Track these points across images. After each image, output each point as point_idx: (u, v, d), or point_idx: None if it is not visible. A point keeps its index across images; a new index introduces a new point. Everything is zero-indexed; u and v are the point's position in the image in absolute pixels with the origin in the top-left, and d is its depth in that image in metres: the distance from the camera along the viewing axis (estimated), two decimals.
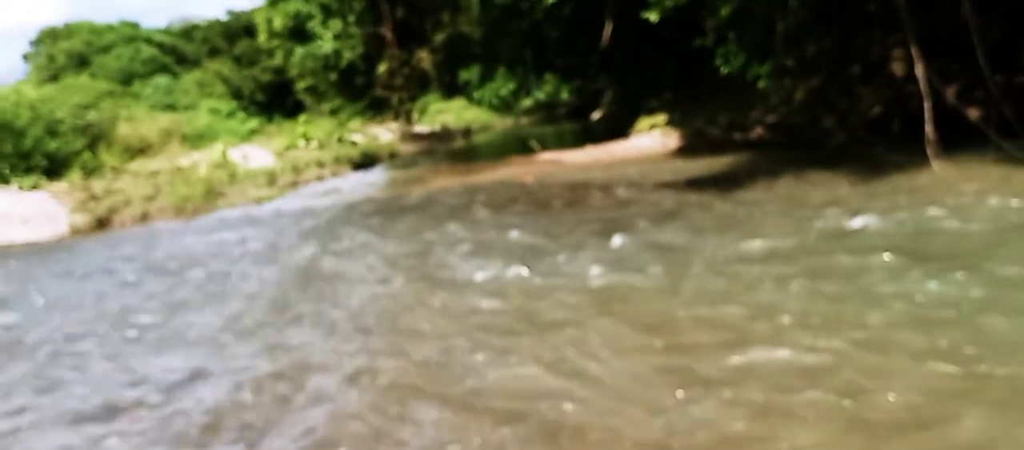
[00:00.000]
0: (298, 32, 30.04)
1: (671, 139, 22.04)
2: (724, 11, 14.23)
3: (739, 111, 20.73)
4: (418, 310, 7.90)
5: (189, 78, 51.61)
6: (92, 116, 23.06)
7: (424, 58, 27.03)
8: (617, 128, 24.79)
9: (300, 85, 28.09)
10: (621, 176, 16.85)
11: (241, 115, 45.90)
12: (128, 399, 6.23)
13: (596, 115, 34.82)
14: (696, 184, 14.25)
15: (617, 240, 9.90)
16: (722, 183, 13.79)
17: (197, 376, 6.61)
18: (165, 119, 35.39)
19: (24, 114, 20.23)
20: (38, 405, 6.35)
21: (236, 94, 47.67)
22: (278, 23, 30.67)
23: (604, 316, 6.97)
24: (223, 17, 53.75)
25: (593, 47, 22.45)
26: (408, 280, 9.25)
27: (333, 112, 39.99)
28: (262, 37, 33.83)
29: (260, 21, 34.23)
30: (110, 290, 10.79)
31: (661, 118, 23.61)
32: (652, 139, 22.68)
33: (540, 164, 21.71)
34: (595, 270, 8.57)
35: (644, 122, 24.01)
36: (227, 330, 7.92)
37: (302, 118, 35.10)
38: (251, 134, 40.20)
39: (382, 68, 24.22)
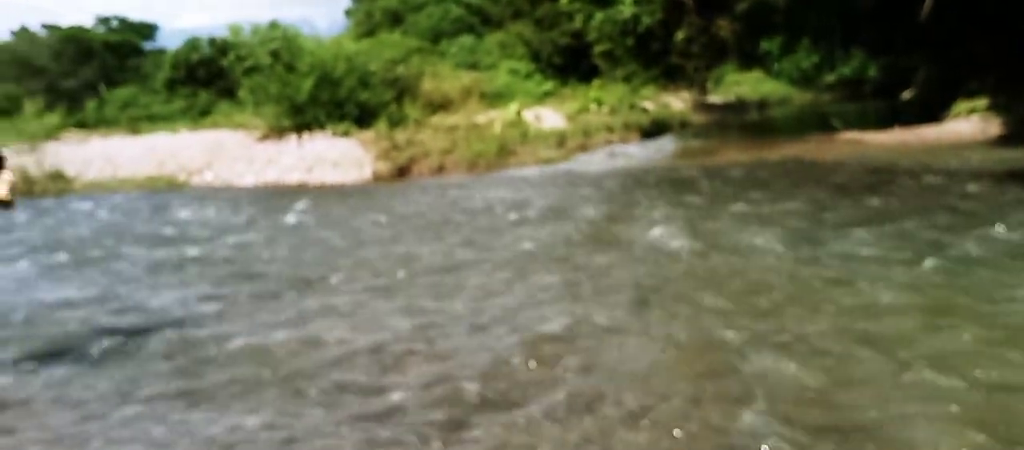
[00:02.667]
0: None
1: (992, 126, 19.82)
2: None
3: None
4: (700, 283, 7.51)
5: (492, 39, 53.33)
6: (401, 71, 24.43)
7: (723, 26, 26.09)
8: (929, 111, 22.67)
9: (597, 49, 28.17)
10: (932, 163, 15.36)
11: (538, 77, 46.90)
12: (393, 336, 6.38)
13: (906, 95, 32.24)
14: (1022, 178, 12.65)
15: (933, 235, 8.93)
16: None
17: (473, 327, 6.64)
18: (467, 77, 36.92)
19: (341, 66, 21.84)
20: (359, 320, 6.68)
21: (535, 56, 48.65)
22: None
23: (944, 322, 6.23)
24: None
25: (908, 20, 20.57)
26: (692, 252, 8.85)
27: (626, 78, 39.85)
28: (563, 0, 34.23)
29: None
30: (408, 233, 11.27)
31: (982, 102, 21.30)
32: (970, 125, 20.53)
33: (840, 143, 20.35)
34: (902, 272, 7.73)
35: (962, 105, 21.77)
36: (509, 281, 7.94)
37: (595, 83, 35.23)
38: (545, 96, 41.02)
39: (680, 35, 23.69)
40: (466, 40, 53.44)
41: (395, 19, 55.00)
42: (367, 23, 55.98)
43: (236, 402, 5.38)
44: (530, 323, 6.64)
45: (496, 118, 24.00)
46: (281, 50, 22.18)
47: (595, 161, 20.42)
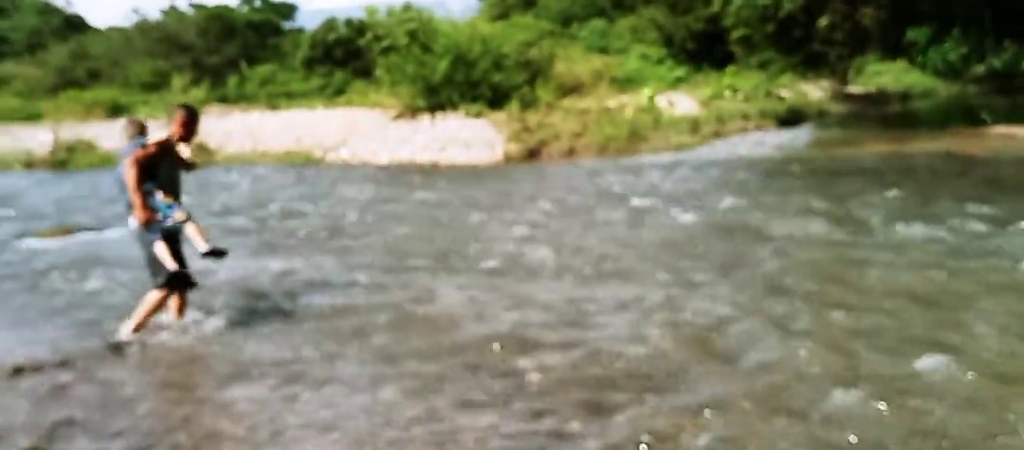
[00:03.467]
0: None
1: None
2: None
3: None
4: (850, 280, 7.15)
5: (623, 23, 52.75)
6: (533, 53, 24.37)
7: (867, 14, 25.02)
8: None
9: (734, 35, 27.35)
10: None
11: (670, 62, 46.15)
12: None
13: None
14: None
15: None
16: None
17: (620, 313, 6.49)
18: (597, 61, 36.60)
19: (476, 48, 21.94)
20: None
21: (667, 41, 47.86)
22: None
23: None
24: None
25: None
26: (841, 246, 8.46)
27: (762, 65, 38.76)
28: None
29: None
30: (546, 217, 11.19)
31: None
32: None
33: (991, 138, 19.21)
34: None
35: None
36: (651, 269, 7.76)
37: (730, 69, 34.43)
38: (677, 82, 40.30)
39: (823, 21, 22.77)
40: (597, 24, 53.02)
41: (527, 2, 54.99)
42: (500, 5, 56.12)
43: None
44: (678, 313, 6.45)
45: (628, 103, 23.67)
46: (418, 31, 22.45)
47: (730, 149, 19.90)
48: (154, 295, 6.23)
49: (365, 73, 40.31)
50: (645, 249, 8.83)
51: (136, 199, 6.03)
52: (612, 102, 23.83)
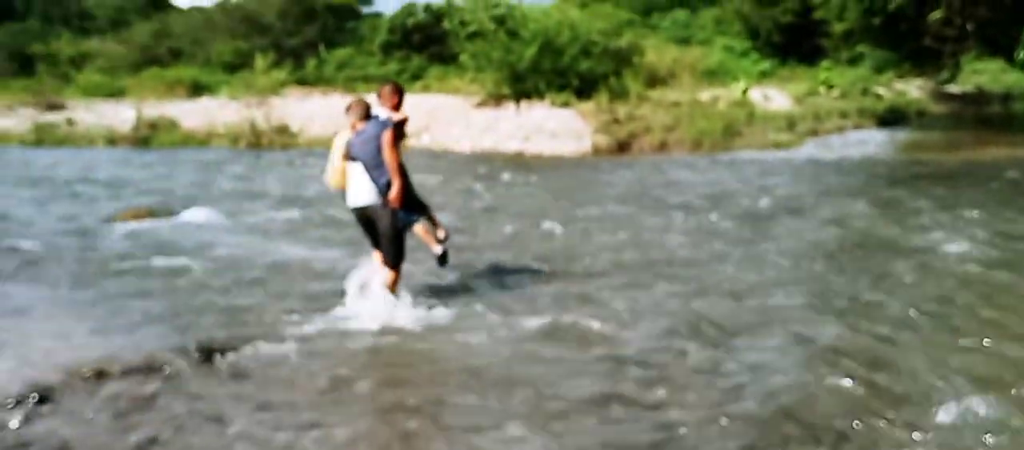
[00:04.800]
0: None
1: None
2: None
3: None
4: (1001, 301, 6.25)
5: (707, 14, 51.53)
6: (624, 42, 23.49)
7: (977, 11, 23.56)
8: None
9: (837, 28, 25.99)
10: None
11: (755, 55, 44.88)
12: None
13: None
14: None
15: None
16: None
17: (743, 329, 5.72)
18: (679, 52, 35.51)
19: (565, 34, 21.11)
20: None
21: (752, 33, 46.48)
22: None
23: None
24: None
25: None
26: (983, 264, 7.51)
27: (852, 61, 37.25)
28: None
29: None
30: (648, 215, 10.43)
31: None
32: None
33: None
34: None
35: None
36: (770, 280, 6.95)
37: (824, 64, 33.09)
38: (762, 76, 39.03)
39: (935, 15, 21.36)
40: (680, 14, 51.83)
41: None
42: None
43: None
44: (808, 331, 5.66)
45: (720, 96, 22.67)
46: (506, 16, 21.70)
47: (831, 148, 18.85)
48: (390, 276, 6.21)
49: (442, 59, 39.97)
50: (760, 257, 7.98)
51: (398, 179, 6.05)
52: (705, 95, 22.85)
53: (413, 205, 6.45)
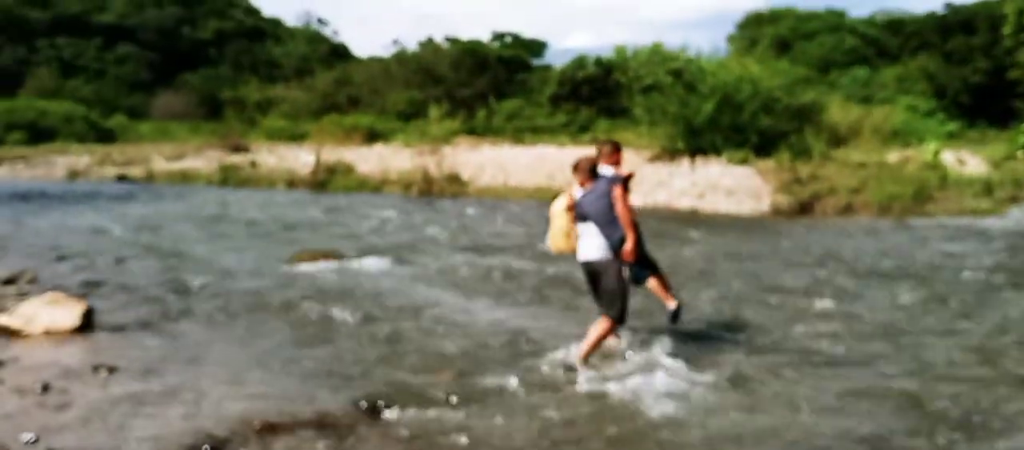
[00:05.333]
0: None
1: None
2: None
3: None
4: None
5: (888, 72, 49.31)
6: (807, 98, 22.52)
7: None
8: None
9: None
10: None
11: (941, 116, 42.50)
12: None
13: None
14: None
15: None
16: None
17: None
18: (859, 111, 33.92)
19: (745, 89, 20.39)
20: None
21: (938, 93, 44.06)
22: None
23: None
24: (940, 10, 50.22)
25: None
26: None
27: None
28: (1007, 29, 30.50)
29: (1010, 12, 30.84)
30: (850, 284, 9.70)
31: None
32: None
33: None
34: None
35: None
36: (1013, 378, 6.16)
37: (1022, 127, 30.75)
38: (949, 137, 36.75)
39: None
40: (859, 72, 49.73)
41: (782, 46, 52.48)
42: (752, 50, 54.03)
43: None
44: None
45: (910, 158, 21.31)
46: (682, 69, 21.21)
47: None
48: (604, 324, 6.14)
49: (611, 112, 39.71)
50: (995, 347, 7.13)
51: (631, 234, 6.05)
52: (891, 156, 21.55)
53: (645, 261, 6.48)
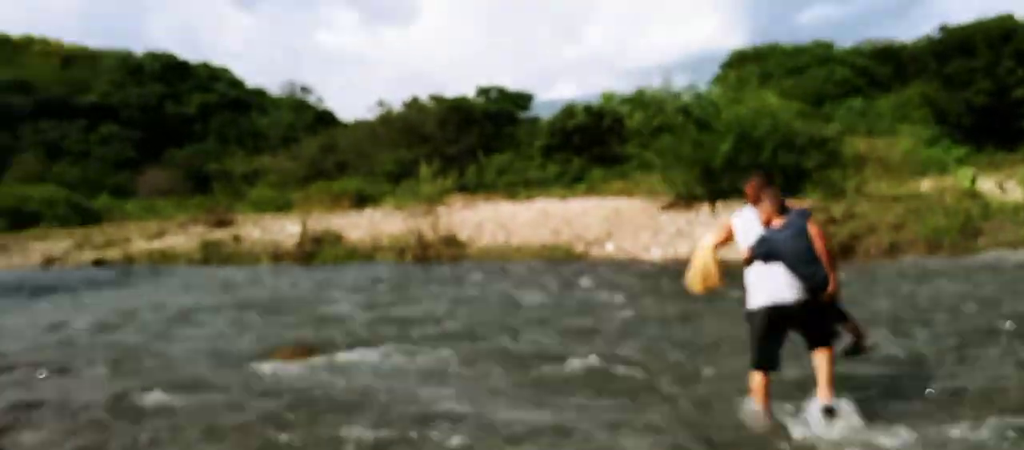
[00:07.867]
0: None
1: None
2: None
3: None
4: None
5: (884, 102, 48.24)
6: (830, 130, 20.91)
7: None
8: None
9: None
10: None
11: (944, 142, 41.26)
12: None
13: None
14: None
15: None
16: None
17: None
18: (860, 143, 32.56)
19: (763, 124, 18.67)
20: None
21: (939, 118, 42.82)
22: None
23: None
24: (934, 34, 49.03)
25: None
26: None
27: None
28: None
29: None
30: (931, 341, 7.96)
31: None
32: None
33: None
34: None
35: None
36: None
37: None
38: (959, 163, 35.37)
39: None
40: (854, 102, 48.59)
41: (766, 81, 51.44)
42: (739, 89, 52.86)
43: None
44: None
45: (944, 188, 19.67)
46: (692, 106, 19.55)
47: None
48: (827, 354, 5.81)
49: (603, 160, 38.42)
50: None
51: (834, 274, 5.78)
52: (926, 185, 19.94)
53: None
